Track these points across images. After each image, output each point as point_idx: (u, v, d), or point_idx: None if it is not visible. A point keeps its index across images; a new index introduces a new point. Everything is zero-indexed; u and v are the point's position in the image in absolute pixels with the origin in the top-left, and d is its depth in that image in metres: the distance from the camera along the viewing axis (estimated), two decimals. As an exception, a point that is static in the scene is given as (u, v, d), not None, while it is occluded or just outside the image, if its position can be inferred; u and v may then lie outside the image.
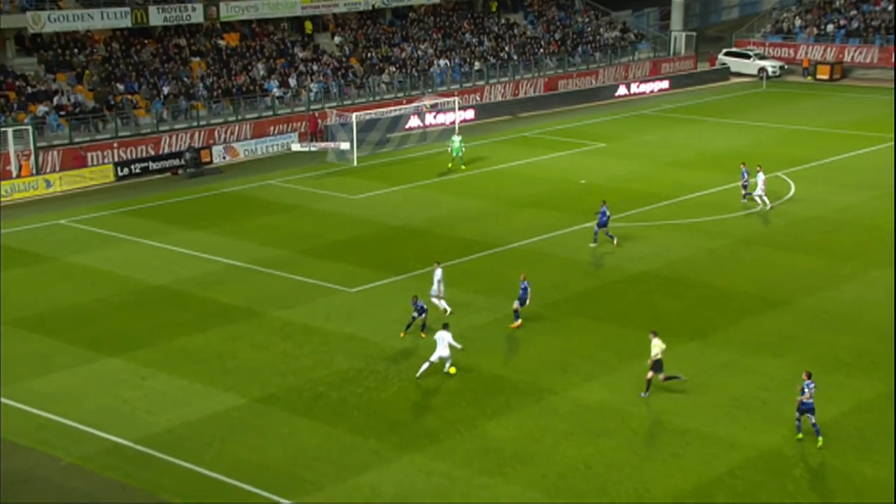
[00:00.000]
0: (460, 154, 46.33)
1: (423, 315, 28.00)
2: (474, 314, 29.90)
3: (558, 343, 27.96)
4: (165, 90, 52.52)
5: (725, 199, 41.38)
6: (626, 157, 49.02)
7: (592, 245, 35.22)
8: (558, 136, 54.09)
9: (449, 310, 29.35)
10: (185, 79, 53.72)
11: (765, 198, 39.30)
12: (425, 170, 46.99)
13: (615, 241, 35.02)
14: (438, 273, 29.36)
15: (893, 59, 64.44)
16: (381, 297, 31.33)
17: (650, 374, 24.56)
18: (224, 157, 49.99)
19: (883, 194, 41.66)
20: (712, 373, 25.95)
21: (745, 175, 40.15)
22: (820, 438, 22.34)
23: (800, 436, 22.57)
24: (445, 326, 25.78)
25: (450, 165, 46.55)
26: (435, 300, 29.47)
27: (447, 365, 25.75)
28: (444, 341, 25.36)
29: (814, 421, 22.40)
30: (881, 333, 28.05)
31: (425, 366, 25.71)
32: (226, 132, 51.26)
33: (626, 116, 59.57)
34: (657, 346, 24.43)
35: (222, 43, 57.91)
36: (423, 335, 28.12)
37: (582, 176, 45.19)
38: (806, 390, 22.29)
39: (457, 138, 46.71)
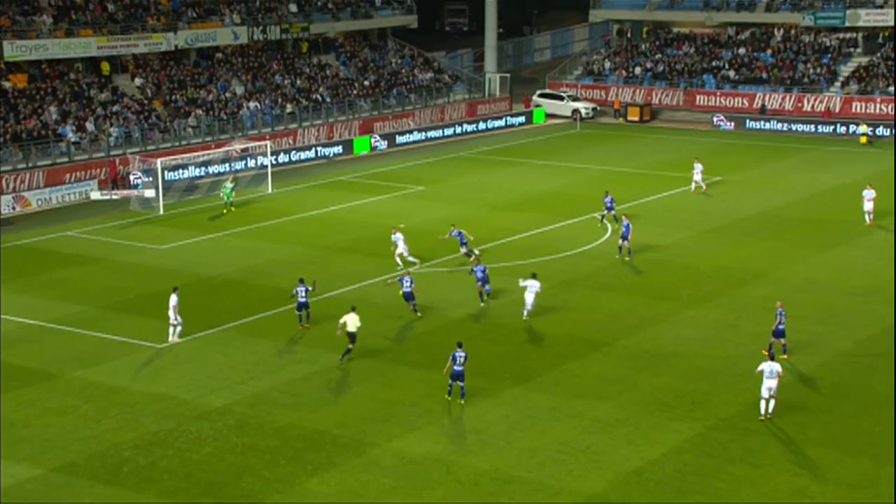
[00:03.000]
0: (230, 199, 47.05)
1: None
2: (293, 366, 29.74)
3: (382, 393, 28.13)
4: (-55, 135, 50.12)
5: (545, 242, 42.69)
6: (445, 200, 50.02)
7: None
8: (376, 180, 54.79)
9: (418, 262, 36.36)
10: (-32, 123, 51.38)
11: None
12: (237, 217, 46.70)
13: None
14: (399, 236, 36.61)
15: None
16: (193, 353, 30.91)
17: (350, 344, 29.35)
18: (14, 208, 48.32)
19: (693, 234, 43.98)
20: (538, 417, 26.61)
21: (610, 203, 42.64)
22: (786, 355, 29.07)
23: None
24: (534, 276, 32.62)
25: (224, 211, 47.05)
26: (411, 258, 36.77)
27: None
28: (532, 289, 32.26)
29: (784, 342, 29.36)
30: (699, 373, 29.48)
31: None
32: (15, 180, 49.44)
33: (445, 159, 60.80)
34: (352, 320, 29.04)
35: (8, 84, 55.72)
36: (306, 326, 31.44)
37: (400, 220, 45.72)
38: (779, 317, 29.33)
39: (229, 184, 47.25)
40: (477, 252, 38.58)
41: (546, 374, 29.27)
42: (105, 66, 59.95)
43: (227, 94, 62.69)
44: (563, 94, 76.14)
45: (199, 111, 59.69)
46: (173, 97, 60.43)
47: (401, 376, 28.98)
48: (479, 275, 34.51)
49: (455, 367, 26.98)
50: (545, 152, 62.36)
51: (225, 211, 47.03)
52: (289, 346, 31.40)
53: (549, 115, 74.43)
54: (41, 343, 31.78)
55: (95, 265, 39.89)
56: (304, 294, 32.24)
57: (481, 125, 70.65)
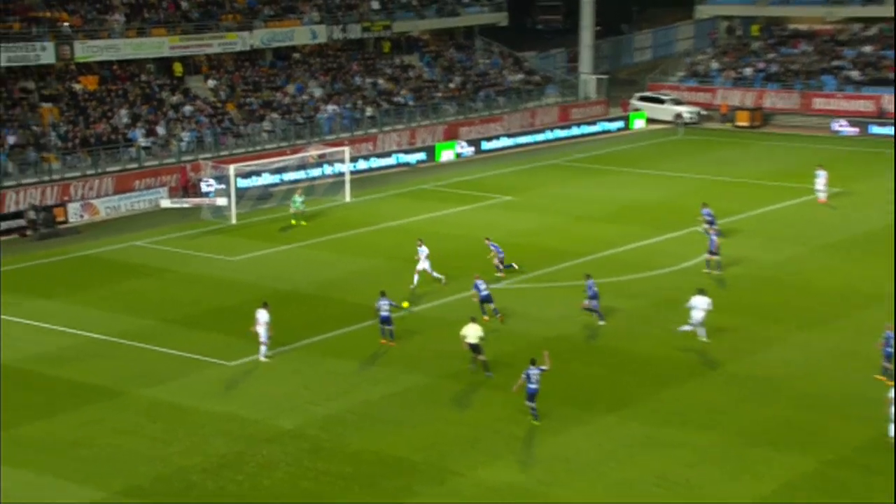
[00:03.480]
0: (301, 210, 47.49)
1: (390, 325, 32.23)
2: (370, 387, 29.87)
3: (464, 417, 28.06)
4: (11, 140, 51.41)
5: (643, 257, 42.26)
6: (534, 210, 49.92)
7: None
8: (460, 189, 54.77)
9: (443, 278, 37.03)
10: (35, 127, 52.80)
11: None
12: (313, 227, 47.05)
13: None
14: (424, 251, 36.91)
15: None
16: (265, 371, 31.15)
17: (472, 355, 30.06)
18: (81, 216, 49.34)
19: (810, 250, 43.02)
20: (633, 447, 26.23)
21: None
22: None
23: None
24: (701, 292, 32.54)
25: (293, 222, 47.37)
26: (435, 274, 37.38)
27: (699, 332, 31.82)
28: (701, 307, 31.94)
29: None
30: (812, 403, 28.76)
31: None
32: (83, 187, 50.57)
33: (535, 167, 60.54)
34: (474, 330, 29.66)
35: (78, 87, 57.17)
36: (389, 342, 31.88)
37: (486, 232, 45.60)
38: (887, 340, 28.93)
39: (298, 198, 47.58)
40: (515, 266, 39.14)
41: (643, 401, 28.88)
42: (177, 67, 61.17)
43: (304, 97, 63.37)
44: (664, 96, 75.37)
45: (275, 114, 60.44)
46: (247, 100, 61.31)
47: (484, 399, 28.82)
48: (482, 292, 33.95)
49: (530, 386, 27.08)
50: (644, 160, 61.77)
51: (293, 223, 47.47)
52: (366, 365, 31.47)
53: (648, 120, 73.74)
54: (106, 358, 32.21)
55: (164, 277, 40.46)
56: (387, 308, 32.51)
57: (575, 130, 70.27)
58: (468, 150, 64.29)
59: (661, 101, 74.84)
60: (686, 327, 32.74)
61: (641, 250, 43.28)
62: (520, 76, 74.89)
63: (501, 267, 39.06)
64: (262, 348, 31.56)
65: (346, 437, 26.85)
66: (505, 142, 66.40)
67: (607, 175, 58.07)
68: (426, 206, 50.92)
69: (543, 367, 27.41)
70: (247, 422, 27.66)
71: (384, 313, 32.59)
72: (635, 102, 75.46)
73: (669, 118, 73.54)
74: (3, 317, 35.80)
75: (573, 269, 39.86)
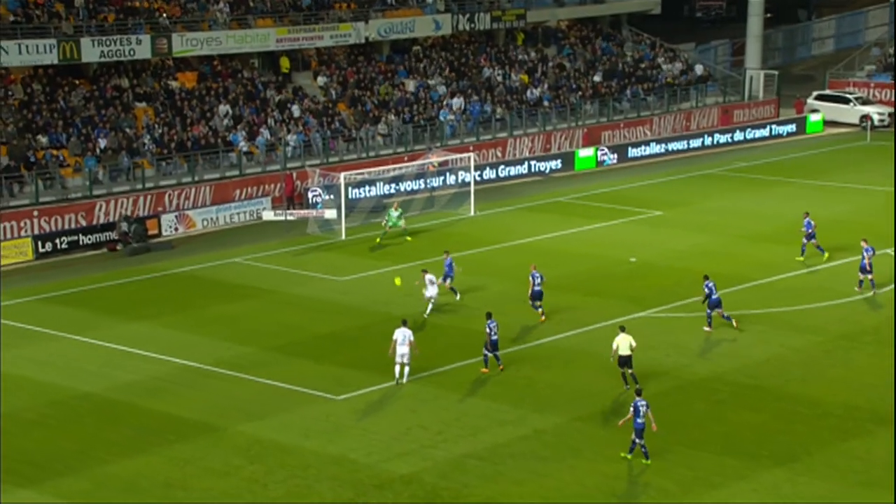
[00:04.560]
0: (398, 226, 47.99)
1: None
2: (495, 428, 30.05)
3: (604, 466, 27.96)
4: (102, 143, 53.19)
5: (817, 283, 41.62)
6: (688, 228, 49.73)
7: (707, 329, 36.76)
8: (603, 202, 54.65)
9: (457, 295, 38.71)
10: (128, 129, 54.38)
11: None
12: (432, 245, 47.28)
13: (734, 324, 36.55)
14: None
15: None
16: (375, 408, 31.42)
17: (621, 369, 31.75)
18: (176, 229, 50.49)
19: None
20: (804, 508, 25.93)
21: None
22: None
23: None
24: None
25: (378, 241, 47.74)
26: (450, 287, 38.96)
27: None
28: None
29: None
30: None
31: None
32: (179, 197, 51.73)
33: (690, 177, 60.14)
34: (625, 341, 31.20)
35: (175, 84, 58.84)
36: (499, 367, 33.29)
37: (632, 252, 45.64)
38: None
39: (394, 212, 48.07)
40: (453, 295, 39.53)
41: (817, 454, 28.46)
42: (284, 62, 62.49)
43: (425, 96, 64.05)
44: (849, 95, 74.02)
45: (391, 116, 61.16)
46: (361, 99, 62.21)
47: (627, 445, 28.46)
48: (493, 337, 33.67)
49: (637, 421, 27.43)
50: (822, 170, 60.86)
51: (378, 241, 47.48)
52: (490, 402, 31.58)
53: (828, 123, 72.56)
54: (201, 389, 32.87)
55: (265, 298, 41.01)
56: (495, 331, 33.15)
57: (738, 135, 69.53)
58: (611, 157, 64.10)
59: (845, 101, 73.49)
60: None
61: (816, 276, 42.67)
62: (674, 72, 74.44)
63: (449, 285, 39.46)
64: (405, 370, 32.53)
65: (468, 486, 26.92)
66: (655, 148, 66.16)
67: (776, 187, 57.31)
68: (561, 222, 50.97)
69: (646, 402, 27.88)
70: (356, 465, 27.90)
71: (494, 337, 33.24)
72: (812, 102, 74.29)
73: (855, 121, 72.24)
74: (89, 340, 36.82)
75: (733, 298, 39.30)
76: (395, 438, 29.38)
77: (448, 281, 39.51)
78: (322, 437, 29.57)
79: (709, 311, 36.66)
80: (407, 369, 32.69)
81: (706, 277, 36.96)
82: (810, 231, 43.81)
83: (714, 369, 33.81)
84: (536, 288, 37.67)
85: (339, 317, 38.74)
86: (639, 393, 28.33)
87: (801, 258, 44.05)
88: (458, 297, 39.74)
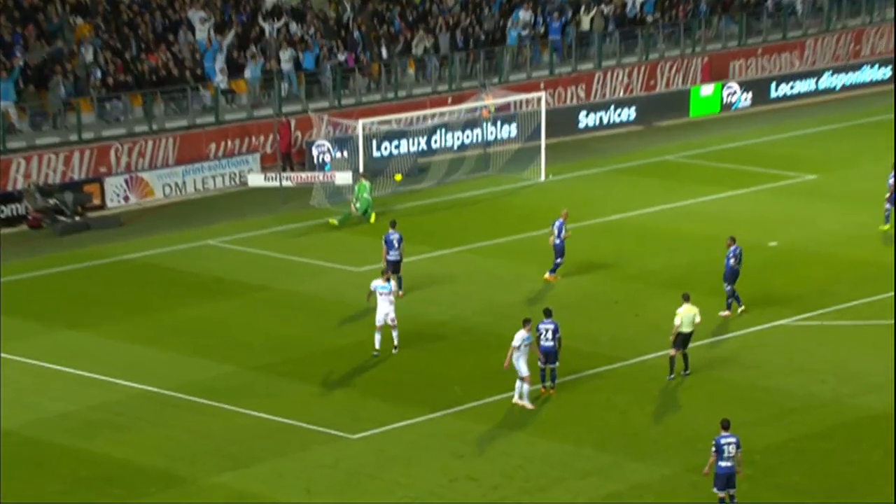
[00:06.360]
0: (363, 206, 47.85)
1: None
2: (572, 481, 29.50)
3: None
4: (20, 69, 50.88)
5: None
6: (851, 200, 49.37)
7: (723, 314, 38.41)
8: (727, 162, 54.24)
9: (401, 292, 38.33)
10: (62, 54, 52.50)
11: None
12: (488, 225, 46.95)
13: (739, 309, 38.34)
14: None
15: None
16: (407, 449, 31.22)
17: (672, 351, 33.72)
18: (126, 198, 50.01)
19: None
20: None
21: None
22: None
23: None
24: None
25: (331, 221, 47.58)
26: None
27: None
28: None
29: None
30: None
31: None
32: (129, 153, 50.96)
33: (858, 124, 59.94)
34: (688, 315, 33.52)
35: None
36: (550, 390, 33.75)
37: (772, 234, 44.75)
38: None
39: (366, 183, 47.79)
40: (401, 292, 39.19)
41: None
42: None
43: (475, 9, 62.21)
44: None
45: (428, 38, 59.06)
46: (385, 16, 60.31)
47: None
48: (544, 343, 33.87)
49: (721, 465, 27.34)
50: None
51: (332, 221, 47.17)
52: (565, 445, 31.13)
53: None
54: (162, 425, 32.49)
55: (251, 297, 40.91)
56: (550, 336, 33.48)
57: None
58: (743, 98, 63.40)
59: None
60: None
61: None
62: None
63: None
64: (525, 388, 32.81)
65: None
66: (807, 84, 65.43)
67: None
68: (670, 190, 50.89)
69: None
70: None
71: (546, 343, 33.25)
72: None
73: None
74: (2, 356, 36.25)
75: None
76: (433, 494, 29.00)
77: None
78: (331, 491, 29.24)
79: (728, 288, 38.39)
80: (527, 387, 32.92)
81: (732, 241, 37.98)
82: None
83: (872, 401, 33.34)
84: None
85: (355, 323, 38.28)
86: (725, 427, 27.21)
87: None
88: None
